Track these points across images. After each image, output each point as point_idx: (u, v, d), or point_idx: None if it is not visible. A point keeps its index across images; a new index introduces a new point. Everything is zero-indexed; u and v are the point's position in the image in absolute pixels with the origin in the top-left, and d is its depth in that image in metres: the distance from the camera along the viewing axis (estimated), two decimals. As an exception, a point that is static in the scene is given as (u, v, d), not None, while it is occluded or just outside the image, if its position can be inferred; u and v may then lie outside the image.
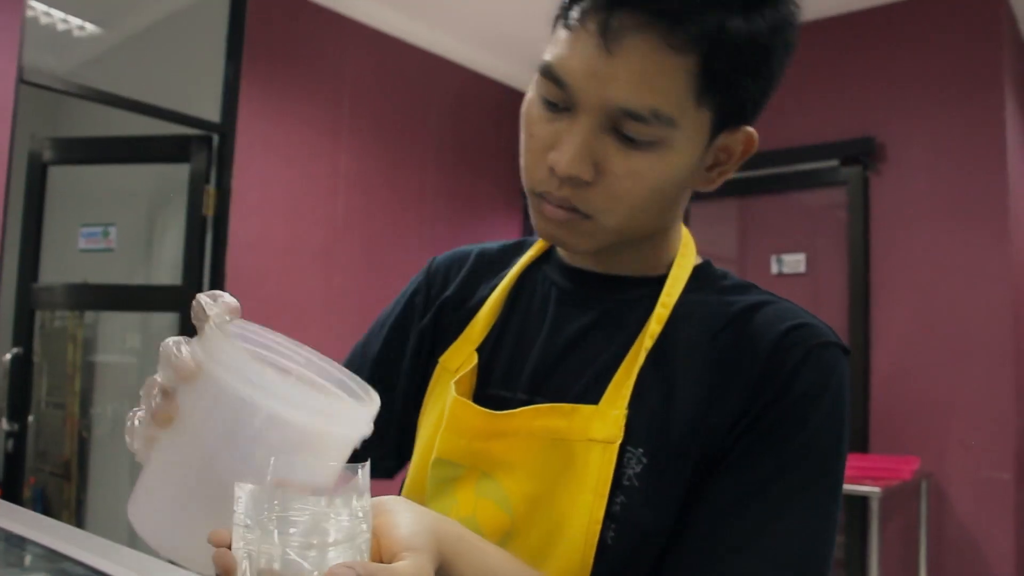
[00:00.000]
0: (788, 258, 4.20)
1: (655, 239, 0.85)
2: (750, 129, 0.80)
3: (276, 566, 0.52)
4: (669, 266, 0.84)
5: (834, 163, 4.02)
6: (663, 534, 0.73)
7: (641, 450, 0.74)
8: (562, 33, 0.74)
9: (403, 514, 0.58)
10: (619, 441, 0.74)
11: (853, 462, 3.43)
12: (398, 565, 0.53)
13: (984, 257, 3.60)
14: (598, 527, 0.73)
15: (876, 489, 3.13)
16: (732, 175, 0.83)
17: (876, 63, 3.96)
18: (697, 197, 0.91)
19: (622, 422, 0.74)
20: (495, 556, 0.65)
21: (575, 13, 0.72)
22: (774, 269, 4.21)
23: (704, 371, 0.76)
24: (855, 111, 3.99)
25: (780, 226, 4.30)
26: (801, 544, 0.70)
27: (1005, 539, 3.46)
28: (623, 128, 0.71)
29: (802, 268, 4.16)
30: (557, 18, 0.76)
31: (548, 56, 0.74)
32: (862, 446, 3.81)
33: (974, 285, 3.61)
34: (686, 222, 0.90)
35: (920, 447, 3.64)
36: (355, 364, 0.97)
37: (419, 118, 4.56)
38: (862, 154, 3.91)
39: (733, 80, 0.72)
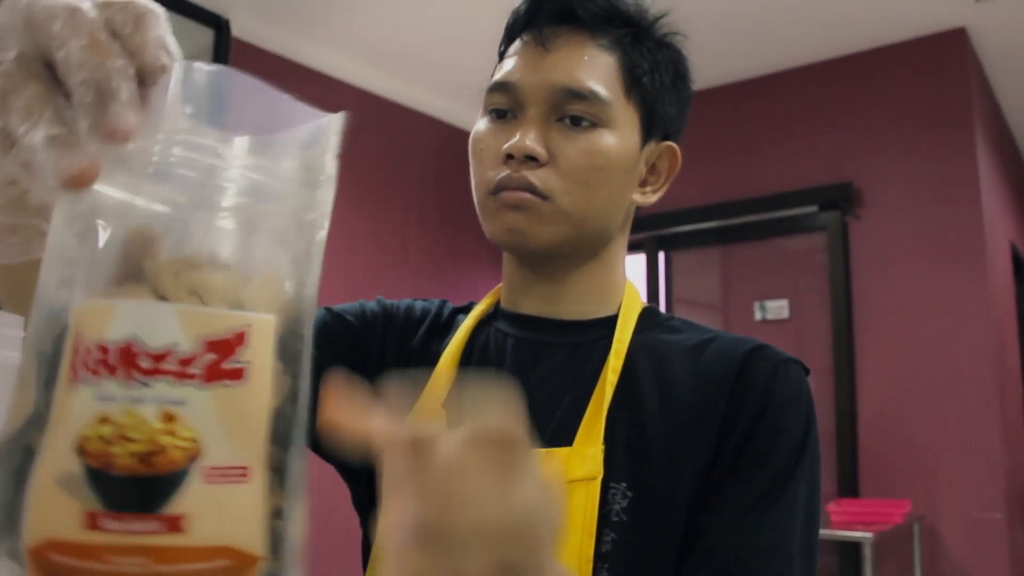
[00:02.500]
0: (771, 304, 4.22)
1: (601, 268, 0.88)
2: (673, 144, 0.90)
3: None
4: (616, 309, 0.88)
5: (813, 209, 4.07)
6: (658, 570, 0.73)
7: (624, 484, 0.75)
8: (502, 62, 0.86)
9: None
10: (600, 477, 0.75)
11: (844, 507, 3.42)
12: None
13: (964, 296, 3.63)
14: (589, 566, 0.72)
15: (868, 534, 3.10)
16: (664, 190, 0.91)
17: (849, 109, 4.04)
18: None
19: (600, 458, 0.76)
20: None
21: (513, 41, 0.86)
22: (757, 316, 4.23)
23: (673, 401, 0.79)
24: (831, 157, 4.05)
25: (762, 273, 4.33)
26: (803, 543, 0.75)
27: (1000, 581, 3.44)
28: (567, 111, 0.80)
29: (785, 314, 4.18)
30: (497, 63, 0.88)
31: (492, 80, 0.85)
32: (852, 490, 3.79)
33: (956, 325, 3.63)
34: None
35: (910, 489, 3.63)
36: None
37: (400, 173, 4.59)
38: (840, 199, 3.96)
39: (651, 85, 0.85)
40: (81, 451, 0.29)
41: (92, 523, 0.29)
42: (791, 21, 3.76)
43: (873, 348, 3.85)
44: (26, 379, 0.33)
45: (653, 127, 0.86)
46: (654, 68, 0.85)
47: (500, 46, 0.88)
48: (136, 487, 0.29)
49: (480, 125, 0.86)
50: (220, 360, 0.31)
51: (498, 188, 0.81)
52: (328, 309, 0.92)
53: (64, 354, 0.32)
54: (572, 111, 0.80)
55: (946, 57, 3.82)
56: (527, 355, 0.87)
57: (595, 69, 0.81)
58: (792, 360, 0.81)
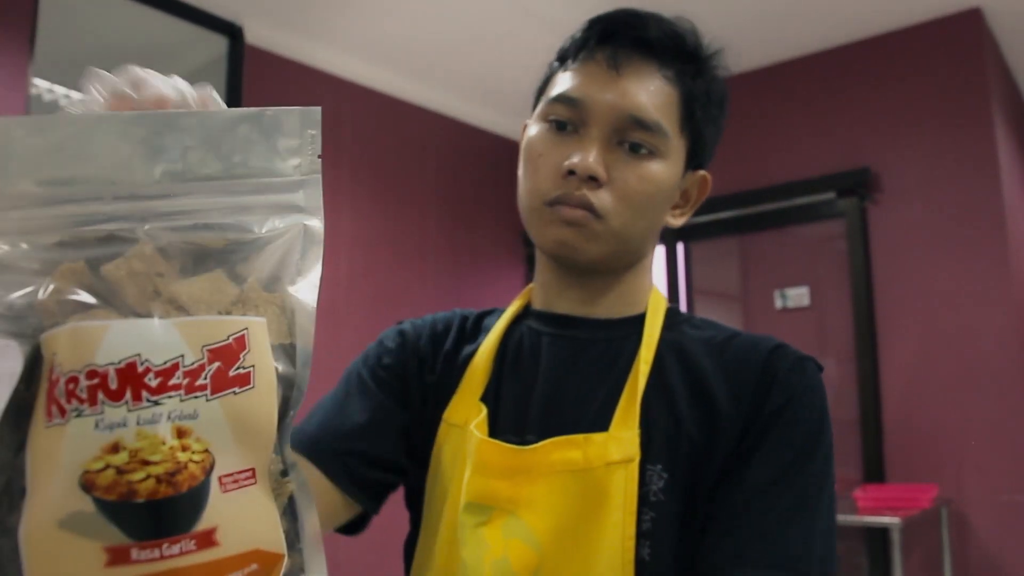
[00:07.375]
0: (791, 292, 4.20)
1: (633, 276, 0.93)
2: (706, 174, 0.95)
3: None
4: (643, 309, 0.93)
5: (830, 195, 4.05)
6: (696, 547, 0.78)
7: (660, 466, 0.80)
8: (567, 73, 0.87)
9: None
10: (637, 459, 0.79)
11: (870, 493, 3.41)
12: None
13: (986, 280, 3.61)
14: (632, 543, 0.77)
15: (896, 520, 3.09)
16: (690, 215, 0.96)
17: (865, 95, 4.01)
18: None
19: (636, 441, 0.80)
20: None
21: (581, 55, 0.87)
22: (778, 304, 4.22)
23: (700, 392, 0.84)
24: (848, 143, 4.03)
25: (781, 261, 4.32)
26: (823, 532, 0.77)
27: (1030, 564, 3.42)
28: (630, 137, 0.83)
29: (806, 301, 4.17)
30: (556, 68, 0.90)
31: (557, 91, 0.87)
32: (878, 476, 3.78)
33: (978, 309, 3.61)
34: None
35: (937, 474, 3.61)
36: (337, 430, 0.91)
37: (417, 174, 4.61)
38: (858, 185, 3.94)
39: (702, 119, 0.89)
40: (90, 486, 0.27)
41: (118, 558, 0.27)
42: (803, 7, 3.74)
43: (896, 333, 3.84)
44: None
45: (695, 158, 0.91)
46: (706, 103, 0.89)
47: (567, 54, 0.89)
48: (164, 510, 0.27)
49: (537, 132, 0.88)
50: (227, 368, 0.30)
51: (555, 201, 0.84)
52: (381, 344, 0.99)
53: (39, 391, 0.28)
54: (634, 138, 0.83)
55: (962, 38, 3.79)
56: (564, 351, 0.91)
57: (660, 101, 0.84)
58: (809, 358, 0.86)
